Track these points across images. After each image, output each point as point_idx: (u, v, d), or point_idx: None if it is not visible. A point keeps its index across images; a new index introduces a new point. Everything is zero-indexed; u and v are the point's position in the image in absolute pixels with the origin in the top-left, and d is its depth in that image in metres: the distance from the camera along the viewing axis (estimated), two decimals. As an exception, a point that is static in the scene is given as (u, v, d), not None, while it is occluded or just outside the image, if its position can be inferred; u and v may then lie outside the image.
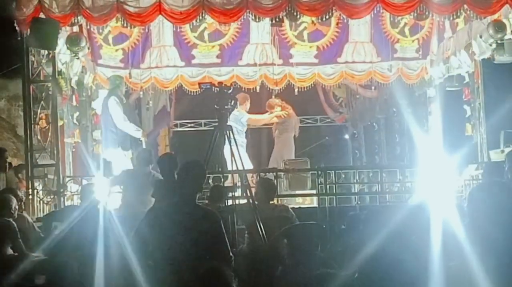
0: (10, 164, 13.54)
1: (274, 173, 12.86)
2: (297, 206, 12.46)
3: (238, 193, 10.07)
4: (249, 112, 15.15)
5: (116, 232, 7.76)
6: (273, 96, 16.06)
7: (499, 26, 12.69)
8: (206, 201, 9.61)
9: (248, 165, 14.37)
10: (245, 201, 9.37)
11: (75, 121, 14.41)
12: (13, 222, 8.97)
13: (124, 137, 13.24)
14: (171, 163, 9.45)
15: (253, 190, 9.48)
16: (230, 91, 9.39)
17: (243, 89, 15.70)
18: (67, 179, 12.80)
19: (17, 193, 10.26)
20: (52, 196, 12.38)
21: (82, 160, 13.40)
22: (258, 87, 15.99)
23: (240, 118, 14.40)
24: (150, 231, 6.20)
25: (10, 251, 8.83)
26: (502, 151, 13.13)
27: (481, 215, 4.55)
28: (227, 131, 9.20)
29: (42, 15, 12.37)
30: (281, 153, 15.36)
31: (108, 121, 13.27)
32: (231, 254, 6.43)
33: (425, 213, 6.27)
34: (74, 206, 11.47)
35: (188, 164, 6.55)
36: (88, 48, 13.94)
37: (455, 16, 13.12)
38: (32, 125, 12.61)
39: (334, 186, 12.77)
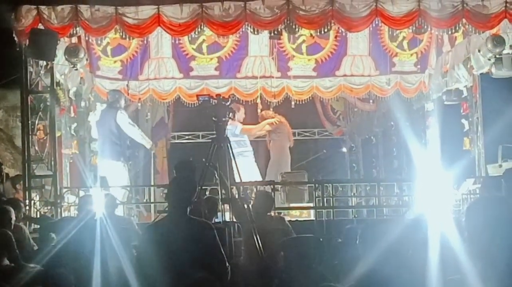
0: (7, 174, 13.53)
1: (272, 186, 12.84)
2: (294, 219, 12.46)
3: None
4: (245, 123, 15.20)
5: (113, 244, 7.74)
6: (271, 109, 16.04)
7: (498, 41, 12.71)
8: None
9: (257, 175, 14.45)
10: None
11: (72, 132, 14.41)
12: (10, 233, 8.95)
13: (126, 149, 13.34)
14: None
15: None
16: (228, 103, 9.41)
17: (241, 101, 15.71)
18: (64, 190, 12.80)
19: (18, 204, 10.28)
20: (49, 207, 12.35)
21: (80, 171, 13.39)
22: (256, 100, 15.98)
23: (233, 131, 14.35)
24: (147, 247, 6.19)
25: (6, 261, 8.81)
26: (500, 165, 13.14)
27: (479, 229, 4.53)
28: (225, 144, 9.21)
29: (41, 26, 12.40)
30: (276, 164, 15.31)
31: (109, 133, 13.40)
32: (227, 264, 6.41)
33: (422, 227, 6.26)
34: (71, 217, 11.48)
35: (178, 179, 6.54)
36: (87, 60, 13.93)
37: (453, 30, 13.15)
38: (30, 136, 12.60)
39: (331, 199, 12.74)
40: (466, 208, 4.73)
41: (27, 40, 12.12)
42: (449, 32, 13.48)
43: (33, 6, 12.41)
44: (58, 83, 12.99)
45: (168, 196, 6.56)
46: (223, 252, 6.38)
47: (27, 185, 12.40)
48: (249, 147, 15.00)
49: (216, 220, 9.58)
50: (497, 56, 12.86)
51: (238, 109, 14.66)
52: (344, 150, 20.13)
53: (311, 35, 15.04)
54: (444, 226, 6.18)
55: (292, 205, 13.64)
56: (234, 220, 9.11)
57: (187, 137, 19.67)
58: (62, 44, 12.90)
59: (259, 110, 15.96)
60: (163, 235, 6.20)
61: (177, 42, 14.97)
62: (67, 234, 8.29)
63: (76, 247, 8.09)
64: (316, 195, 12.69)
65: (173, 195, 6.39)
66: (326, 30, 13.29)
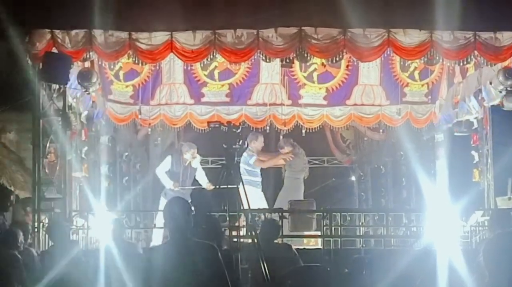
0: (17, 196, 13.57)
1: (279, 213, 12.82)
2: (301, 247, 12.44)
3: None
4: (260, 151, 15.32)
5: (118, 270, 7.76)
6: (281, 137, 16.07)
7: (509, 73, 12.71)
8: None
9: (263, 204, 14.49)
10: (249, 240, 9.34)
11: (83, 156, 14.44)
12: (19, 255, 8.97)
13: None
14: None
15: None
16: (238, 130, 9.44)
17: (251, 128, 15.73)
18: (74, 213, 12.82)
19: (26, 227, 10.31)
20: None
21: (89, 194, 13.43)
22: (266, 127, 16.00)
23: (248, 160, 14.64)
24: (149, 272, 6.17)
25: (14, 284, 8.82)
26: (509, 198, 13.11)
27: (503, 267, 4.43)
28: (234, 171, 9.23)
29: (54, 50, 12.47)
30: (288, 193, 15.32)
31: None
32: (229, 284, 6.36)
33: (430, 258, 6.26)
34: (77, 241, 11.51)
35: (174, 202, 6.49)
36: (99, 84, 14.00)
37: (465, 62, 13.17)
38: (41, 159, 12.64)
39: (339, 228, 12.72)
40: (483, 247, 4.62)
41: (41, 64, 12.19)
42: (461, 64, 13.50)
43: (47, 30, 12.49)
44: (70, 107, 13.07)
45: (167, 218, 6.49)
46: (226, 273, 6.32)
47: (36, 208, 12.42)
48: (259, 177, 15.08)
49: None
50: (508, 88, 12.83)
51: (256, 139, 14.87)
52: (353, 178, 20.09)
53: (322, 63, 15.04)
54: (453, 258, 6.17)
55: (299, 233, 13.64)
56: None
57: (196, 162, 19.65)
58: (75, 68, 12.97)
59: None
60: (164, 258, 6.18)
61: (189, 68, 15.03)
62: (74, 258, 8.31)
63: (81, 271, 8.10)
64: (324, 224, 12.67)
65: (172, 217, 6.34)
66: (337, 59, 13.35)
